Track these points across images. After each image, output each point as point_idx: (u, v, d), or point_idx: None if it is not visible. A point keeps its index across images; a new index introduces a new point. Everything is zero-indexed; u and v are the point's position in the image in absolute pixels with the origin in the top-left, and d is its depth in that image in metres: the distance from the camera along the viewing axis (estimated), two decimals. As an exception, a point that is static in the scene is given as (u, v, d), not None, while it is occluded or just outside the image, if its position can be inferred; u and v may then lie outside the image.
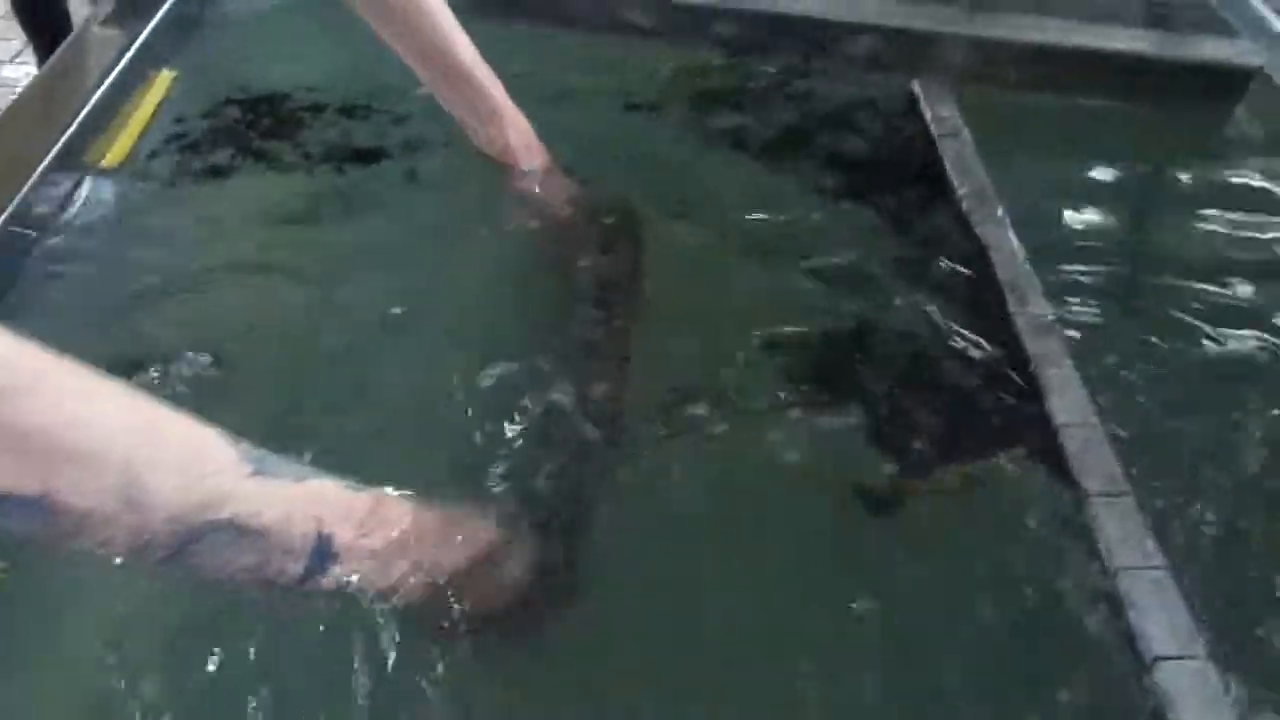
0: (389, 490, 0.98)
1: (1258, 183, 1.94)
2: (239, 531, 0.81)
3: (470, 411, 1.32)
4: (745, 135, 1.94)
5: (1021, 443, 1.39)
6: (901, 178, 1.87)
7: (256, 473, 0.82)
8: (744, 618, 1.18)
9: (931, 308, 1.58)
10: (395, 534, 0.93)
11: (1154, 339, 1.55)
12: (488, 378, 1.37)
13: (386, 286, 1.52)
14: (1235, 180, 1.95)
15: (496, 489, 1.21)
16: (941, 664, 1.15)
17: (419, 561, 0.96)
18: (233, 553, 0.82)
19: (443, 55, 1.54)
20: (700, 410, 1.39)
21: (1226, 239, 1.80)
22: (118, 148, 1.77)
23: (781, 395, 1.43)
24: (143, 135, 1.82)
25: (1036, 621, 1.20)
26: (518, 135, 1.61)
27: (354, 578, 0.90)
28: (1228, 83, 2.09)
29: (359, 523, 0.89)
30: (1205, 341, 1.57)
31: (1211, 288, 1.68)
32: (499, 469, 1.25)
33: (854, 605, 1.19)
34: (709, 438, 1.37)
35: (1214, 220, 1.84)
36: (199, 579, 0.85)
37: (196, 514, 0.78)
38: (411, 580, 0.95)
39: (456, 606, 1.00)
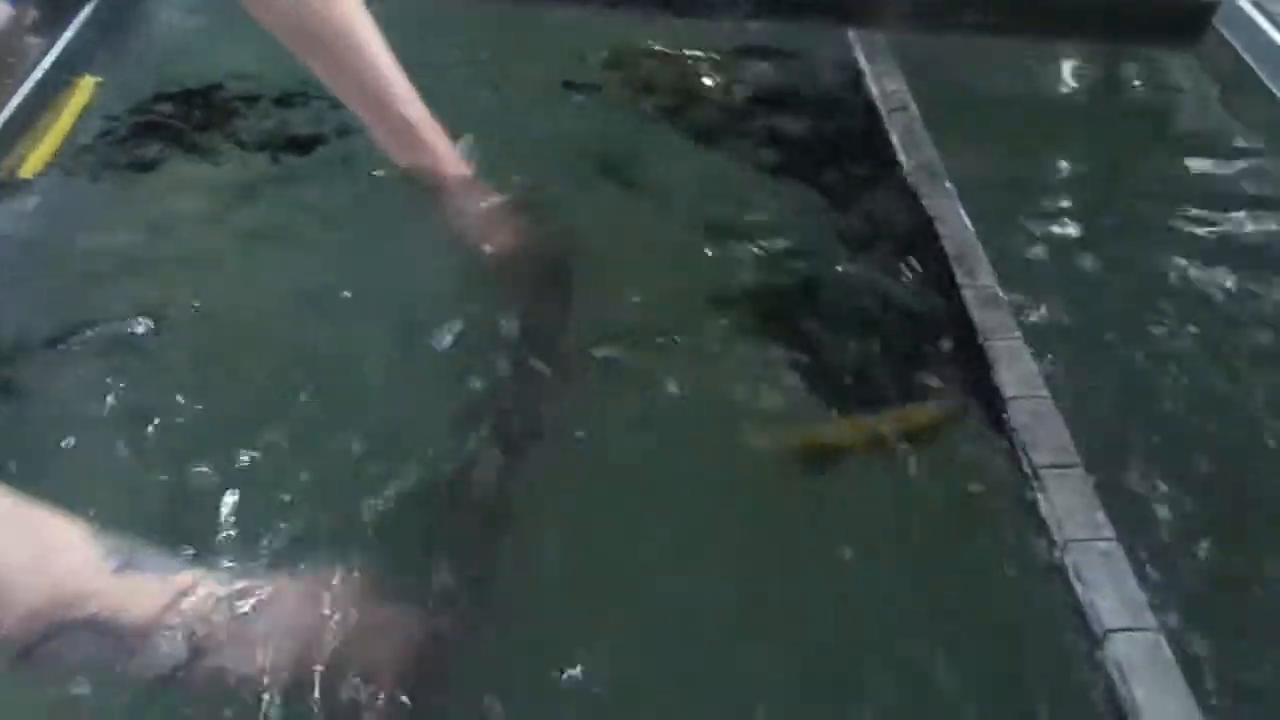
0: (256, 578, 0.95)
1: (1215, 127, 1.93)
2: (100, 630, 0.79)
3: (387, 396, 1.31)
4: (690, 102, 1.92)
5: (970, 414, 1.37)
6: (848, 152, 1.85)
7: (121, 569, 0.81)
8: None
9: (879, 280, 1.56)
10: (273, 616, 0.90)
11: (1106, 309, 1.53)
12: (409, 361, 1.35)
13: (323, 269, 1.50)
14: (1193, 127, 1.94)
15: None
16: (886, 647, 1.12)
17: (289, 639, 0.91)
18: (95, 650, 0.80)
19: (381, 104, 1.42)
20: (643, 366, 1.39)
21: (1183, 194, 1.78)
22: (35, 158, 1.70)
23: (723, 364, 1.41)
24: (65, 142, 1.76)
25: (985, 596, 1.18)
26: (457, 179, 1.50)
27: (224, 665, 0.87)
28: (1188, 21, 2.07)
29: (231, 608, 0.88)
30: (1160, 311, 1.55)
31: (1168, 254, 1.66)
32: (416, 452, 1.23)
33: (795, 572, 1.17)
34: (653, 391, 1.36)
35: (1171, 174, 1.83)
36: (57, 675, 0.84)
37: (54, 612, 0.77)
38: (281, 658, 0.90)
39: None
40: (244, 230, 1.59)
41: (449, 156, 1.48)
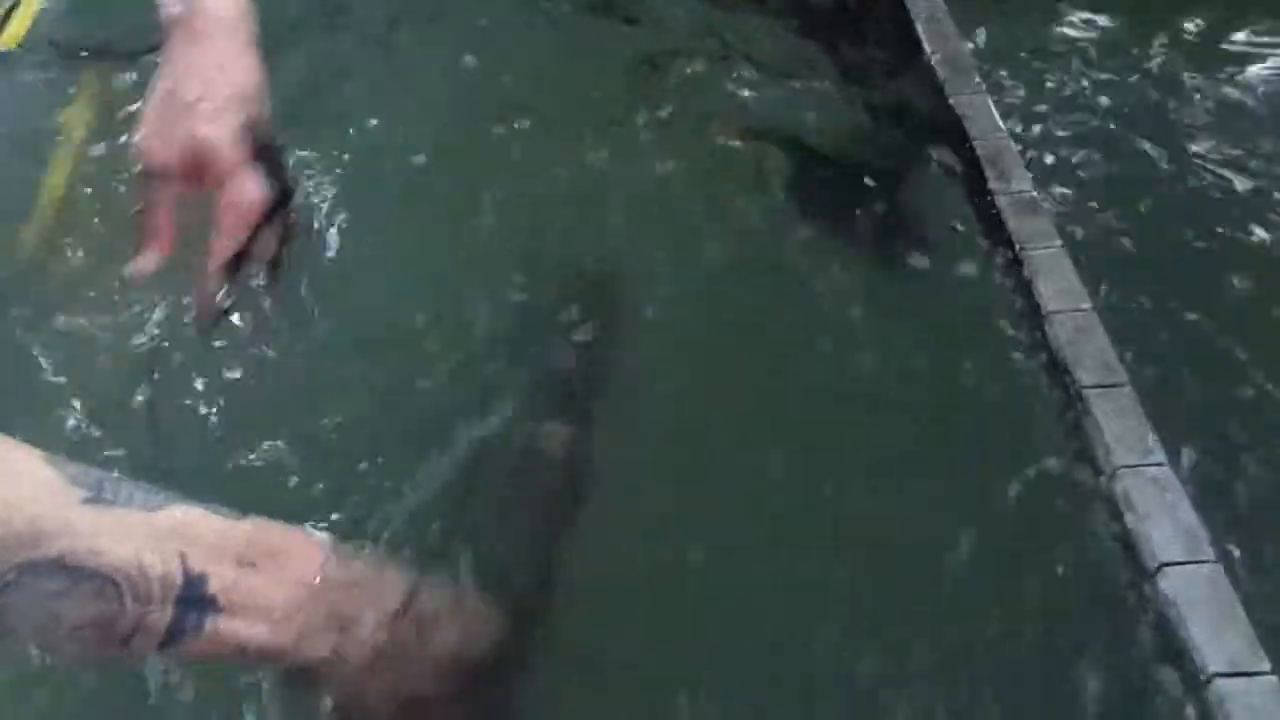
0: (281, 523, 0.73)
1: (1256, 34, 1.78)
2: (71, 574, 0.61)
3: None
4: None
5: (1009, 330, 1.27)
6: (869, 40, 1.71)
7: (92, 500, 0.63)
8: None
9: (904, 185, 1.44)
10: (295, 574, 0.69)
11: (1148, 211, 1.42)
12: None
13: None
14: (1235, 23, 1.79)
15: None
16: (931, 583, 1.04)
17: (331, 614, 0.70)
18: (66, 603, 0.61)
19: None
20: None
21: (1225, 95, 1.64)
22: (10, 32, 1.63)
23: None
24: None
25: (1030, 529, 1.10)
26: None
27: (246, 632, 0.66)
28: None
29: (238, 557, 0.67)
30: (1205, 213, 1.43)
31: (1209, 152, 1.53)
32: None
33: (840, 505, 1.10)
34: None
35: (1213, 71, 1.69)
36: (28, 646, 0.69)
37: (10, 552, 0.59)
38: (320, 641, 0.69)
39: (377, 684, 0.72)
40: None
41: None
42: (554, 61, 1.66)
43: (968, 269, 1.33)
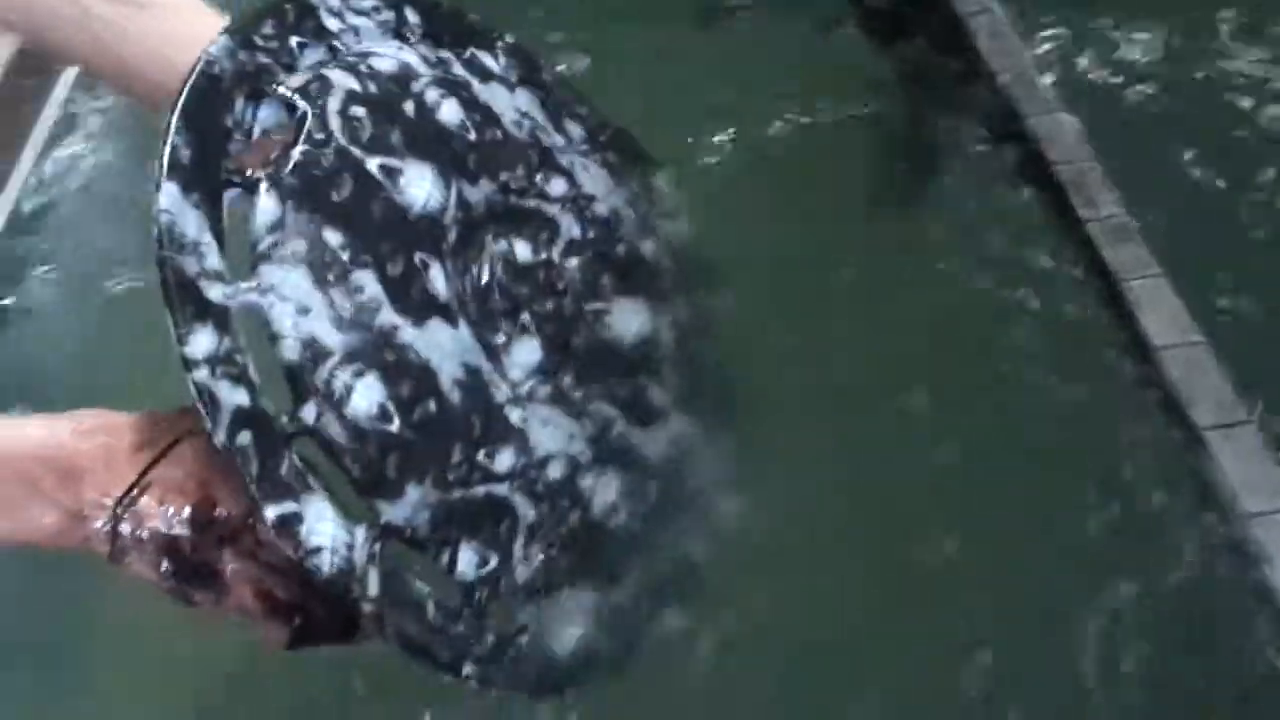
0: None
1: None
2: None
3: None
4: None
5: (1114, 367, 1.21)
6: (928, 65, 1.66)
7: None
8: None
9: (980, 223, 1.38)
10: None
11: (1250, 228, 1.34)
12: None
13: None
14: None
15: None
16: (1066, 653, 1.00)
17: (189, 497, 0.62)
18: None
19: None
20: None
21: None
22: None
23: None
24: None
25: (1160, 584, 1.04)
26: None
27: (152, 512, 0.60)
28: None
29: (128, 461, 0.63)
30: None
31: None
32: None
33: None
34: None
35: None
36: None
37: None
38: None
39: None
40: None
41: None
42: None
43: (1063, 304, 1.27)
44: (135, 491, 0.61)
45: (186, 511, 0.60)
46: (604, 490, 0.73)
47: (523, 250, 0.75)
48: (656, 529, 0.75)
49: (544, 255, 0.77)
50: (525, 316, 0.73)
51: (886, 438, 1.19)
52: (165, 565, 0.61)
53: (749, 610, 1.04)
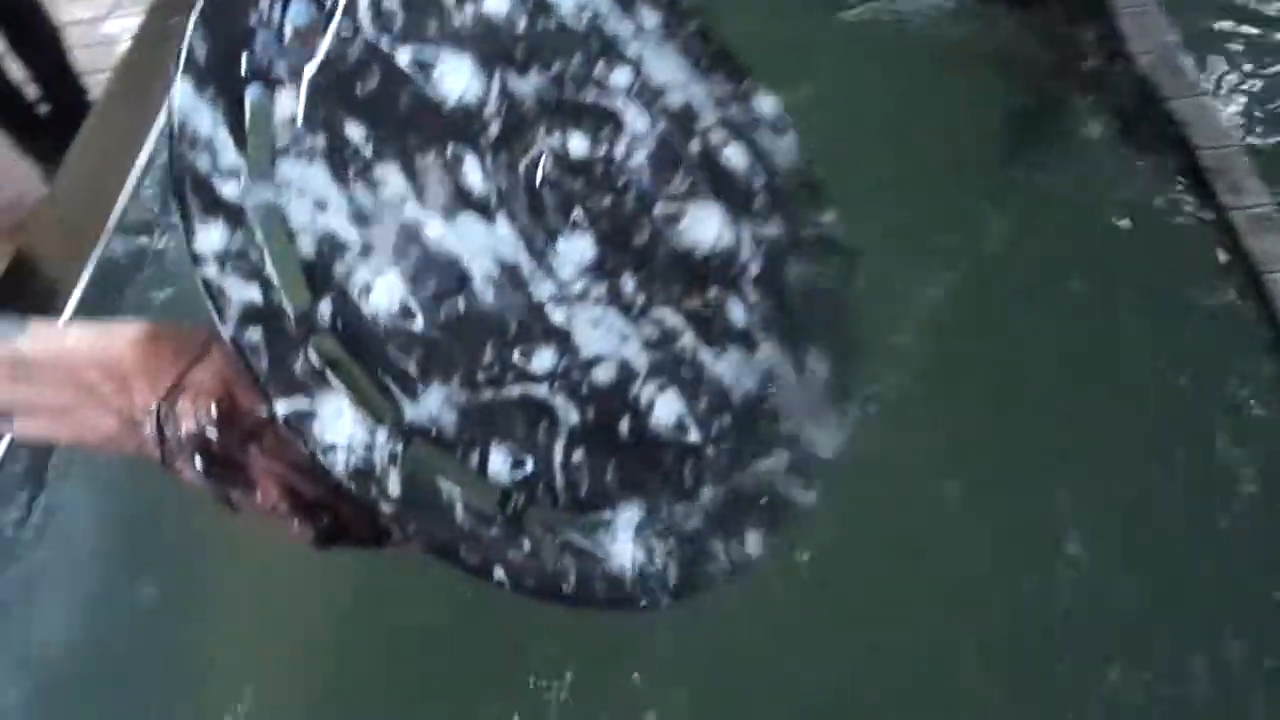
0: None
1: None
2: None
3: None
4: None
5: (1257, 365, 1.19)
6: (1065, 35, 1.62)
7: None
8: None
9: (1115, 204, 1.36)
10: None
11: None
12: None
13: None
14: None
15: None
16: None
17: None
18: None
19: None
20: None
21: None
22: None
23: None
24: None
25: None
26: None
27: None
28: None
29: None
30: None
31: None
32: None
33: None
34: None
35: None
36: None
37: None
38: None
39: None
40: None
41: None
42: None
43: (1204, 298, 1.25)
44: (172, 395, 0.63)
45: (213, 410, 0.62)
46: (665, 405, 0.68)
47: (578, 144, 0.71)
48: (728, 459, 0.70)
49: (604, 150, 0.72)
50: (578, 213, 0.69)
51: (999, 393, 1.19)
52: (199, 464, 0.63)
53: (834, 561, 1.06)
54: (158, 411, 0.63)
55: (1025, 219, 1.37)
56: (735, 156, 0.77)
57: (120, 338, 0.66)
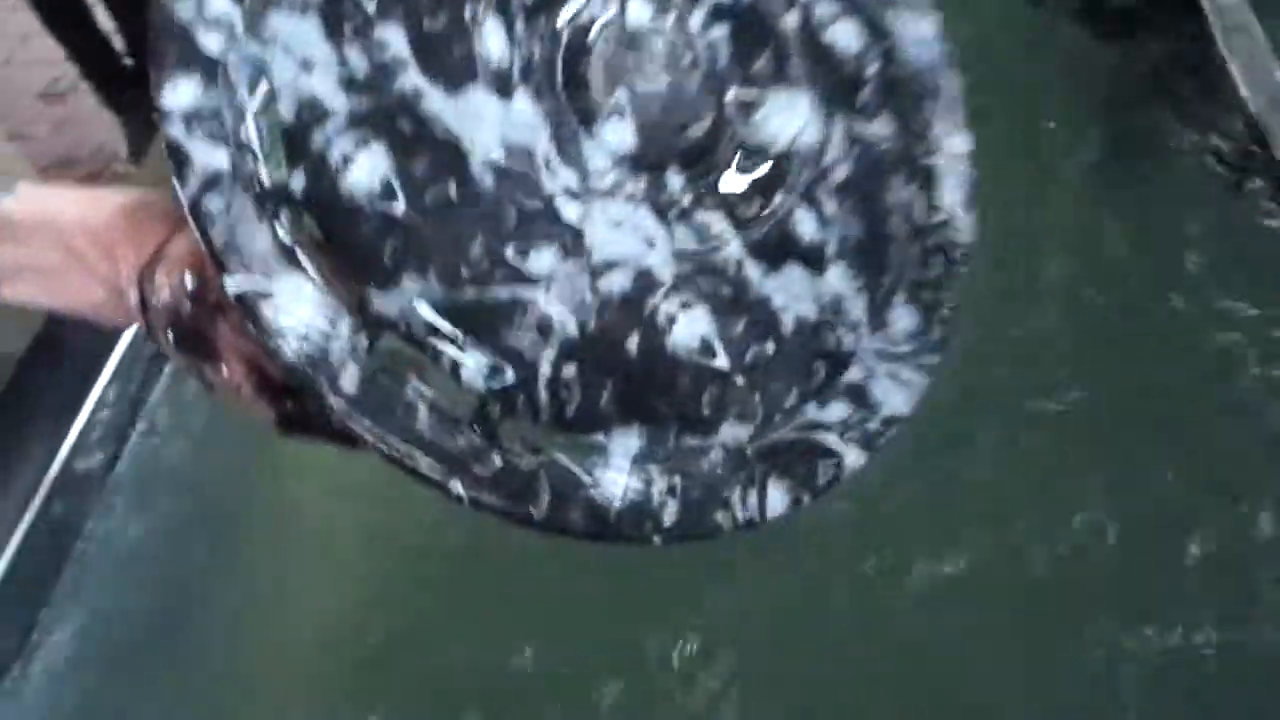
0: None
1: None
2: None
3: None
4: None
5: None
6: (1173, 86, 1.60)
7: None
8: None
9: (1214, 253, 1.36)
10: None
11: None
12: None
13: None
14: None
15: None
16: None
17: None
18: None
19: None
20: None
21: None
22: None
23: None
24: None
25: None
26: None
27: None
28: None
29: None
30: None
31: None
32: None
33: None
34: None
35: None
36: None
37: None
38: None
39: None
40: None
41: None
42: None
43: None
44: (152, 264, 0.61)
45: (188, 281, 0.60)
46: (688, 323, 0.58)
47: (639, 10, 0.59)
48: (764, 396, 0.60)
49: (671, 19, 0.60)
50: (622, 94, 0.58)
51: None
52: (171, 336, 0.61)
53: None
54: (140, 280, 0.61)
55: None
56: (845, 36, 0.64)
57: (108, 204, 0.65)
